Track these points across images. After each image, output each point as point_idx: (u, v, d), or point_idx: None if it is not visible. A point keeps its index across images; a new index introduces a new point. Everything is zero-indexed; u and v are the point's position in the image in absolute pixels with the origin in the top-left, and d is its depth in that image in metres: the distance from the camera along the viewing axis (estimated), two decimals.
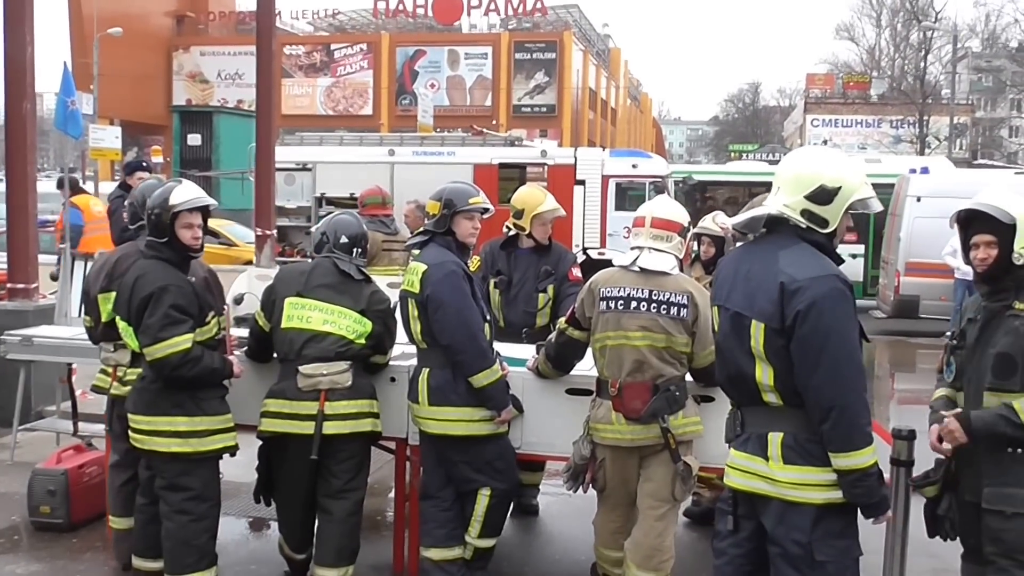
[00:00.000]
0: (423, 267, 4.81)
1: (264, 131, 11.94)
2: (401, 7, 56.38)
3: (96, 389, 5.32)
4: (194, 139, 28.50)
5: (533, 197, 6.12)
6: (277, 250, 13.90)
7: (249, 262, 13.96)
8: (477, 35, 55.76)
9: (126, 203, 5.53)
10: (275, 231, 12.77)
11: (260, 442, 4.92)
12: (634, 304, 4.50)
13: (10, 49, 8.52)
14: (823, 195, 3.32)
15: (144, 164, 8.71)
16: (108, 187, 26.13)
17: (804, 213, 3.34)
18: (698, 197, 19.39)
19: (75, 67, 38.04)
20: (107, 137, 23.61)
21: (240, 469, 5.25)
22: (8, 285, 8.29)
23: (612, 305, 4.54)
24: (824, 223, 3.34)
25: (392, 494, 6.15)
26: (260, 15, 12.30)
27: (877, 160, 21.79)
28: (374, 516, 6.13)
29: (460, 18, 55.97)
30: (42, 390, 7.76)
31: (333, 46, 56.35)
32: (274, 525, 5.31)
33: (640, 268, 4.55)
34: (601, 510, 4.79)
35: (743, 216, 3.55)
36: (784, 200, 3.38)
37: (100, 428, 6.97)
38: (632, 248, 4.65)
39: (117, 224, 7.76)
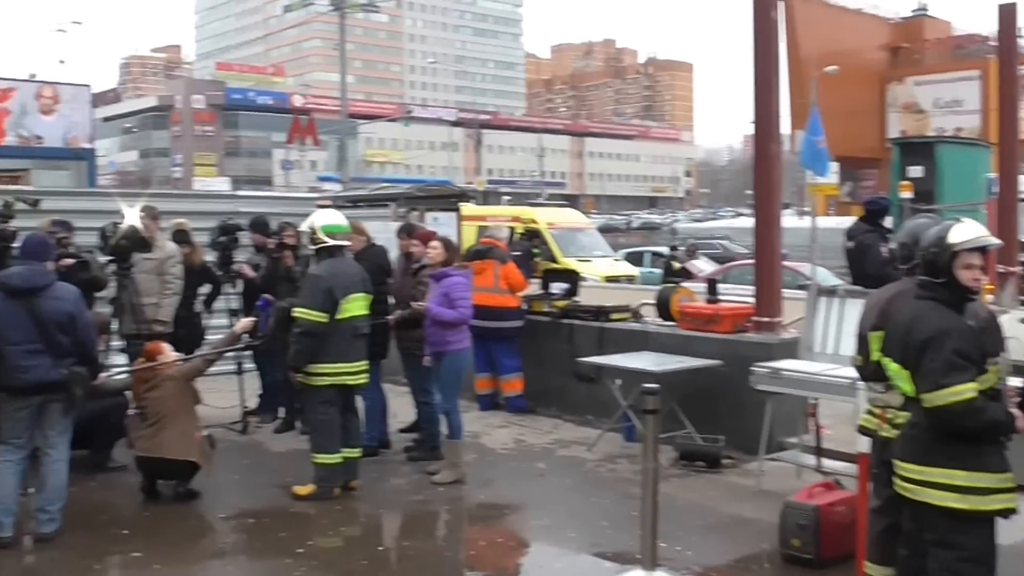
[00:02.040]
0: None
1: (1007, 160, 11.12)
2: None
3: (862, 430, 5.22)
4: (915, 171, 27.77)
5: None
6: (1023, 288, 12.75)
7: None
8: None
9: (896, 243, 5.43)
10: (1022, 268, 11.67)
11: None
12: None
13: (759, 96, 8.94)
14: None
15: (885, 202, 8.61)
16: (823, 221, 26.78)
17: None
18: None
19: (792, 106, 39.69)
20: None
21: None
22: (755, 318, 8.67)
23: None
24: None
25: None
26: (1001, 38, 11.55)
27: None
28: None
29: None
30: (783, 422, 7.95)
31: None
32: None
33: None
34: None
35: None
36: None
37: (842, 465, 6.97)
38: None
39: (875, 260, 7.72)
